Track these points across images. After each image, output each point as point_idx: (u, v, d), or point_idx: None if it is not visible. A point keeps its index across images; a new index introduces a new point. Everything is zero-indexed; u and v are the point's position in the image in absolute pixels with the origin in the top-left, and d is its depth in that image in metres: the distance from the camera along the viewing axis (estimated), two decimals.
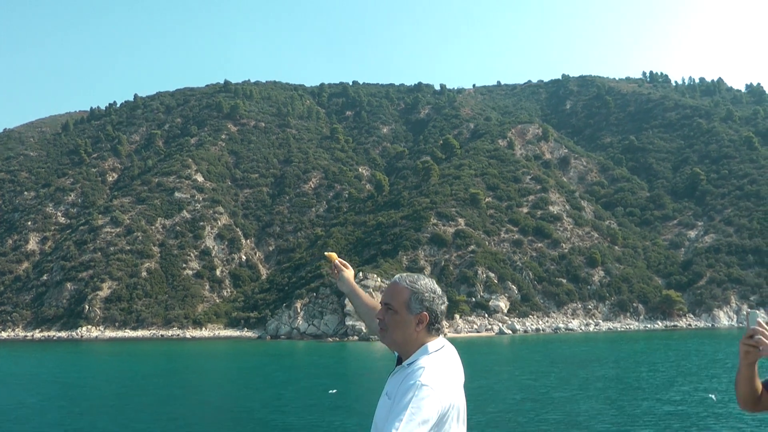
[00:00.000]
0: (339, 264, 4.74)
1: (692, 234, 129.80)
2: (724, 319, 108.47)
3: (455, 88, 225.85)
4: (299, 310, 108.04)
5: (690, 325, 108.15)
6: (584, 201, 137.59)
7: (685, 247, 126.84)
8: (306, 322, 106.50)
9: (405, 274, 3.69)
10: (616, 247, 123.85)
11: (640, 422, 29.80)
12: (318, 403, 37.66)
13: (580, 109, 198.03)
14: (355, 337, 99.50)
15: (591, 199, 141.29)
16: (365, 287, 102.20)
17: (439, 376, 3.42)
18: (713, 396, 34.79)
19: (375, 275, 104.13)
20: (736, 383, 3.82)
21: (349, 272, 4.76)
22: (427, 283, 3.67)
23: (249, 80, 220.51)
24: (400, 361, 3.69)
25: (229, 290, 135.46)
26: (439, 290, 3.73)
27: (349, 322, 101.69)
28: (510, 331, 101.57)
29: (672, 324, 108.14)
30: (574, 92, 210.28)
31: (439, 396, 3.34)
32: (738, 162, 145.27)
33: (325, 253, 5.01)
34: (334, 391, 40.76)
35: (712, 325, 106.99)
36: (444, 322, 3.74)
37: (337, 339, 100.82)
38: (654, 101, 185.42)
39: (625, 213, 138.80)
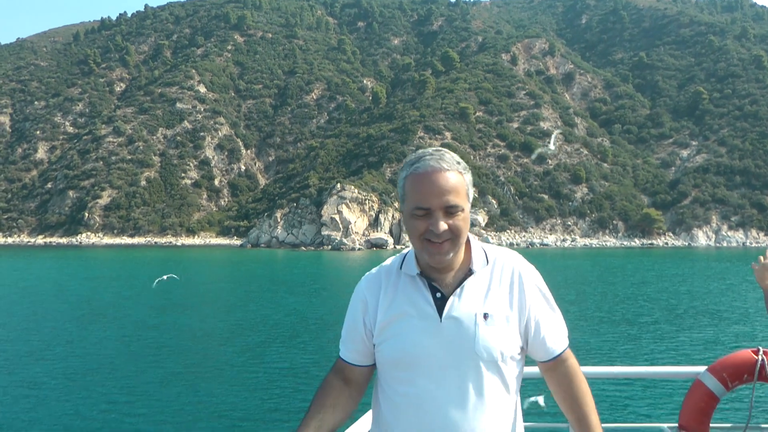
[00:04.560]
0: None
1: (685, 153, 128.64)
2: (703, 238, 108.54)
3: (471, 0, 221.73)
4: (279, 220, 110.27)
5: (667, 243, 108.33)
6: (578, 117, 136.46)
7: (676, 166, 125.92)
8: (285, 231, 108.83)
9: (438, 155, 2.46)
10: (605, 165, 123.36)
11: None
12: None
13: (595, 24, 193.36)
14: (329, 247, 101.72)
15: (586, 115, 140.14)
16: (342, 198, 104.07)
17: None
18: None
19: (352, 186, 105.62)
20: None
21: None
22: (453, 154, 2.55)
23: None
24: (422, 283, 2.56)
25: (226, 200, 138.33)
26: None
27: (324, 232, 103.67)
28: None
29: (649, 242, 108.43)
30: (590, 6, 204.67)
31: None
32: (743, 81, 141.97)
33: None
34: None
35: (689, 244, 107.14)
36: None
37: (312, 248, 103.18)
38: (669, 17, 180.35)
39: (623, 131, 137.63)
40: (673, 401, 15.49)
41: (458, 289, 2.49)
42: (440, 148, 2.47)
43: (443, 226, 2.40)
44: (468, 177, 2.47)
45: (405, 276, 2.56)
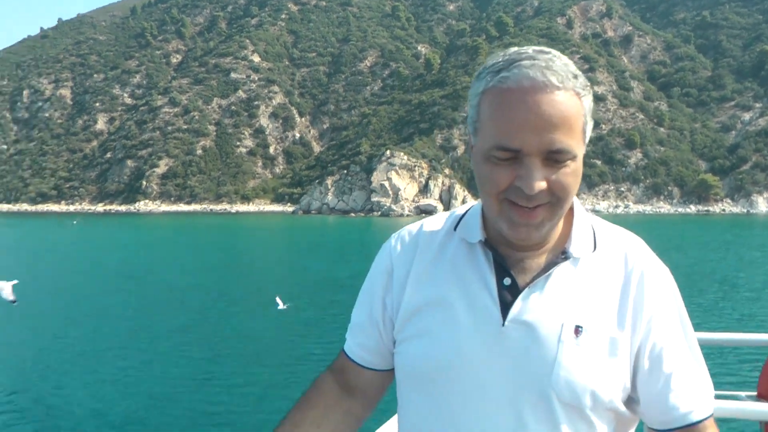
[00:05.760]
0: None
1: (747, 116, 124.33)
2: (763, 205, 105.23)
3: None
4: (330, 186, 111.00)
5: (725, 210, 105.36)
6: (635, 81, 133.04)
7: (737, 130, 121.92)
8: (336, 197, 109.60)
9: (543, 60, 1.23)
10: (662, 129, 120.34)
11: None
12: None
13: None
14: (378, 213, 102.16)
15: (643, 78, 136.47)
16: (391, 165, 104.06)
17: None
18: None
19: (402, 153, 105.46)
20: None
21: None
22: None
23: None
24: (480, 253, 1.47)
25: (281, 167, 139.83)
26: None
27: (374, 199, 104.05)
28: None
29: (705, 209, 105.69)
30: None
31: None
32: None
33: None
34: None
35: (748, 211, 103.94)
36: None
37: (362, 214, 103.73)
38: None
39: (682, 94, 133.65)
40: (750, 369, 14.98)
41: (541, 278, 1.36)
42: (546, 49, 1.30)
43: (540, 183, 1.23)
44: (588, 102, 1.28)
45: (460, 242, 1.45)
